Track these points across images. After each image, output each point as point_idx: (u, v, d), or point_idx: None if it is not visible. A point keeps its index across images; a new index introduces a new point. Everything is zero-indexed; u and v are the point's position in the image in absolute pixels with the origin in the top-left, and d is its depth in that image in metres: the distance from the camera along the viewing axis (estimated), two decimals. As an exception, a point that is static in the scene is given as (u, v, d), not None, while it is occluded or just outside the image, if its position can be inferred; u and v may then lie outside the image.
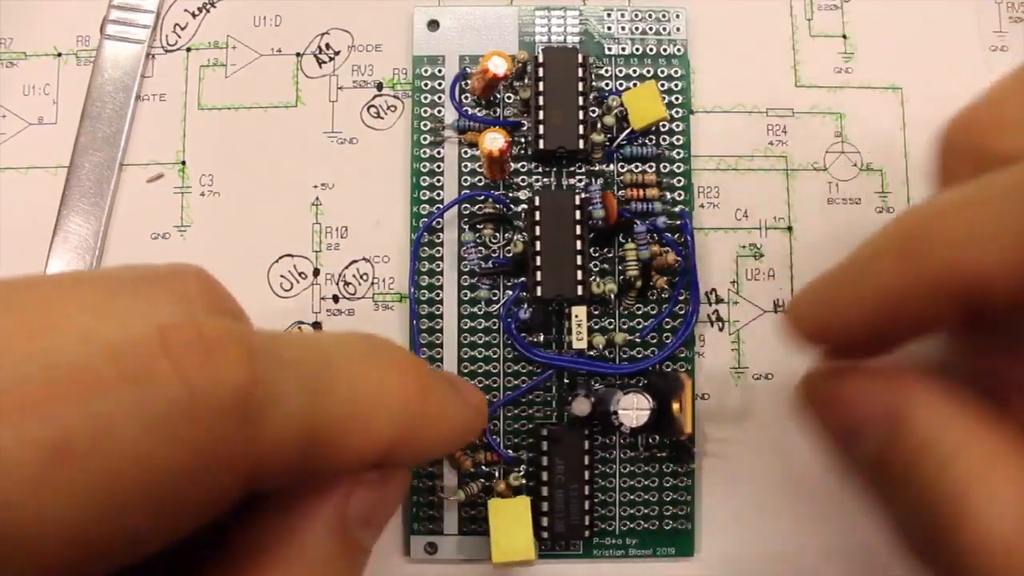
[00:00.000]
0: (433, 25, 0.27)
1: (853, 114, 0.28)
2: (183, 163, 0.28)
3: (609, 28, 0.27)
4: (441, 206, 0.27)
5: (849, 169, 0.28)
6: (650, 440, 0.26)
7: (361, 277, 0.27)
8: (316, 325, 0.27)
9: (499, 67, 0.25)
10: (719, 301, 0.27)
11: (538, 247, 0.25)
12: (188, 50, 0.28)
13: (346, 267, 0.27)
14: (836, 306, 0.18)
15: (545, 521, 0.25)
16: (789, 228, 0.28)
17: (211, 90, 0.28)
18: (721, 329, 0.27)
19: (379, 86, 0.28)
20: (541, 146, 0.26)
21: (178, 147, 0.28)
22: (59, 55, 0.28)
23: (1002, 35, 0.28)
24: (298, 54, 0.28)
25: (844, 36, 0.28)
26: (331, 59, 0.28)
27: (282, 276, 0.27)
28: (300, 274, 0.27)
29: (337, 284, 0.27)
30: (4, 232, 0.27)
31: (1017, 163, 0.15)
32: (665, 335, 0.27)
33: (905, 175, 0.28)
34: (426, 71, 0.27)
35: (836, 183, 0.28)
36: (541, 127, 0.26)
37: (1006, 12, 0.28)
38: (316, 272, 0.27)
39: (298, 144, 0.28)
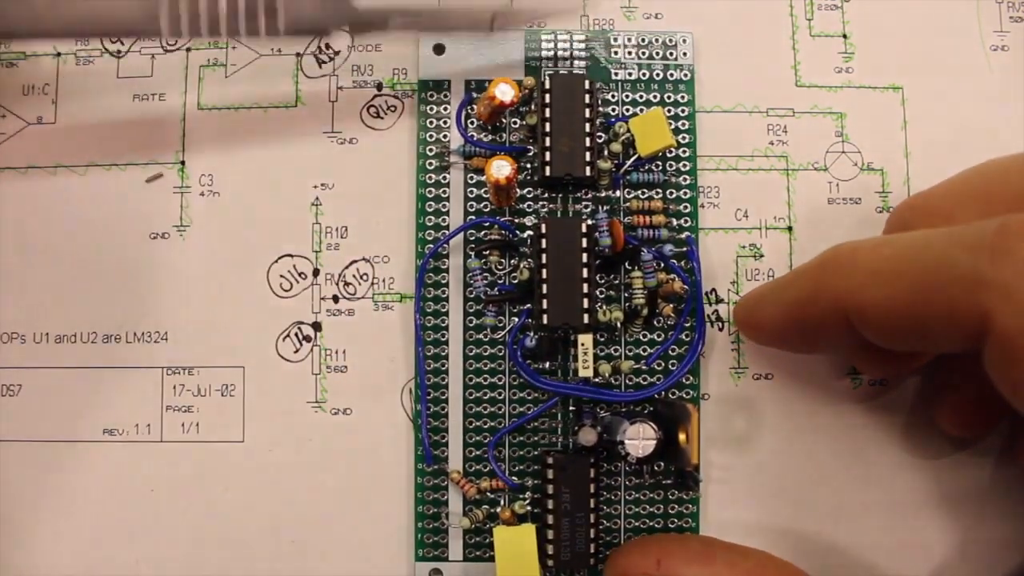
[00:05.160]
0: (439, 49, 0.27)
1: (853, 114, 0.28)
2: (183, 163, 0.28)
3: (616, 53, 0.27)
4: (447, 232, 0.27)
5: (849, 169, 0.28)
6: (655, 467, 0.26)
7: (361, 277, 0.27)
8: (316, 326, 0.27)
9: (506, 95, 0.25)
10: (719, 301, 0.27)
11: (544, 275, 0.25)
12: (188, 50, 0.28)
13: (346, 267, 0.27)
14: (764, 305, 0.24)
15: (551, 549, 0.25)
16: (789, 228, 0.27)
17: (211, 90, 0.28)
18: (721, 329, 0.27)
19: (379, 86, 0.28)
20: (548, 173, 0.25)
21: (178, 147, 0.28)
22: (59, 55, 0.28)
23: (1002, 35, 0.28)
24: (298, 54, 0.28)
25: (844, 36, 0.28)
26: (331, 59, 0.28)
27: (282, 276, 0.27)
28: (300, 274, 0.27)
29: (337, 284, 0.27)
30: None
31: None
32: (671, 362, 0.26)
33: (906, 175, 0.28)
34: (431, 96, 0.27)
35: (836, 183, 0.28)
36: (548, 154, 0.25)
37: (1006, 12, 0.28)
38: (316, 272, 0.27)
39: (298, 144, 0.28)
